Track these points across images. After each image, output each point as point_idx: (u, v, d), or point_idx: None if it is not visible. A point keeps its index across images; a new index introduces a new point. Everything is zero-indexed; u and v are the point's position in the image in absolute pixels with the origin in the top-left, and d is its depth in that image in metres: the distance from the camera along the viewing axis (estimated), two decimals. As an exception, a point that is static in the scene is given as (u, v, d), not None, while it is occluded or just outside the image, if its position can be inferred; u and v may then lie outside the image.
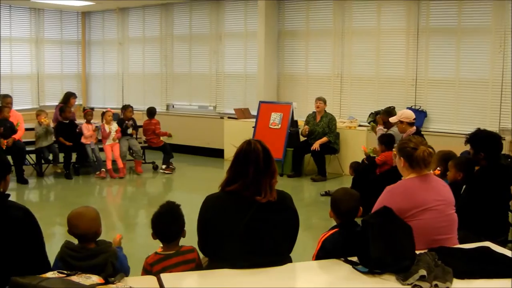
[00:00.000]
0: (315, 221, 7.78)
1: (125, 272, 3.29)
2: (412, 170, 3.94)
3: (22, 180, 9.73)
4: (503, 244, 4.08)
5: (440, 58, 10.31)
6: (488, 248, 3.69)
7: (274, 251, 3.38)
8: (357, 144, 10.51)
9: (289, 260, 3.48)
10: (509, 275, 3.24)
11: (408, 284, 3.11)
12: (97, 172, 10.41)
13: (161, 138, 11.23)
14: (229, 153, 12.21)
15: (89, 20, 15.57)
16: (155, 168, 11.27)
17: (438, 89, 10.37)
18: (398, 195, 3.85)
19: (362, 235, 3.38)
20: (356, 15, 11.22)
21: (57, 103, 11.67)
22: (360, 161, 8.73)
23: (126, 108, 11.16)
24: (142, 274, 3.51)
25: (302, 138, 10.88)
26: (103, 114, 10.66)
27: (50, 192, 9.92)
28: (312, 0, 11.72)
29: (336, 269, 3.36)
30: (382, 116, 8.87)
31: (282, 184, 9.94)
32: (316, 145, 10.20)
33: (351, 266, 3.35)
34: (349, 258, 3.43)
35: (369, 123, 10.49)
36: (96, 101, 15.28)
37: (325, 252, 3.65)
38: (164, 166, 11.08)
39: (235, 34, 12.86)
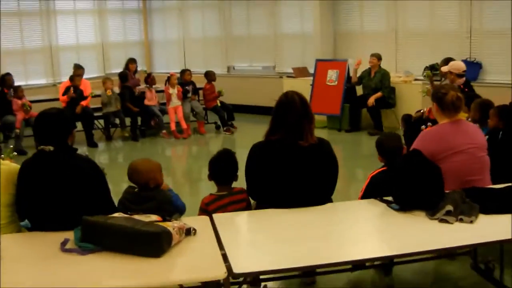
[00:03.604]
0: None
1: (181, 210, 3.72)
2: (443, 115, 4.24)
3: (92, 144, 10.36)
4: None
5: (494, 8, 10.27)
6: (516, 187, 3.95)
7: (316, 192, 3.77)
8: (413, 98, 10.64)
9: (330, 201, 3.87)
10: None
11: (435, 219, 3.44)
12: (162, 132, 11.01)
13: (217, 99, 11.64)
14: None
15: (148, -13, 16.04)
16: (218, 128, 11.72)
17: (493, 40, 10.35)
18: (431, 139, 4.16)
19: (395, 176, 3.73)
20: (409, -32, 11.30)
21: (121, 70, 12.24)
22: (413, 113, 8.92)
23: (184, 72, 11.65)
24: (199, 213, 3.99)
25: (358, 92, 11.15)
26: (168, 78, 11.14)
27: (118, 154, 10.54)
28: (366, -44, 11.86)
29: (372, 207, 3.73)
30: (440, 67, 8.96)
31: (340, 138, 10.28)
32: (371, 100, 10.44)
33: (385, 205, 3.70)
34: (385, 198, 3.78)
35: (424, 76, 10.59)
36: (160, 66, 15.70)
37: (372, 187, 4.05)
38: (224, 128, 11.50)
39: (291, -6, 13.09)
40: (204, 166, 9.15)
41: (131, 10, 15.78)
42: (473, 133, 4.28)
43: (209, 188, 7.94)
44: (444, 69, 7.97)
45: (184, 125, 11.00)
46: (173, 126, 10.96)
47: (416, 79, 11.09)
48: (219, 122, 11.70)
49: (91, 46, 14.85)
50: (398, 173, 3.69)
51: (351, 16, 12.28)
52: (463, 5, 10.58)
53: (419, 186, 3.60)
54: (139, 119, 11.24)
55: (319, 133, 10.63)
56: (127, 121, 11.03)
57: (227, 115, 11.58)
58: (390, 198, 3.74)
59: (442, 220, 3.43)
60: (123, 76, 11.28)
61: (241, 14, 14.02)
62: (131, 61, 12.05)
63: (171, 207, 3.58)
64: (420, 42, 11.31)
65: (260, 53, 13.80)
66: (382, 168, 4.18)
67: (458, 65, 7.78)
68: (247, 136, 11.30)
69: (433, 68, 10.58)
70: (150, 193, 3.56)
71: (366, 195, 4.09)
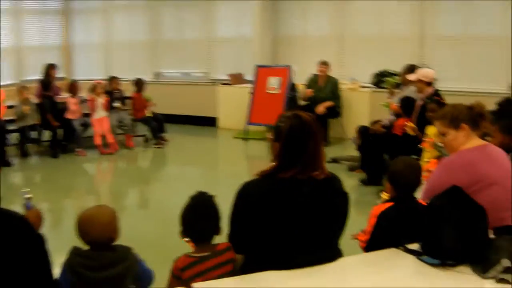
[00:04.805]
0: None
1: (149, 279, 2.80)
2: (475, 131, 3.52)
3: (4, 163, 8.94)
4: None
5: (447, 14, 9.85)
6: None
7: (328, 244, 2.85)
8: (360, 106, 10.09)
9: (340, 254, 2.93)
10: None
11: (490, 278, 2.59)
12: (77, 150, 9.82)
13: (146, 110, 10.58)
14: (224, 122, 11.72)
15: (70, -14, 14.76)
16: (147, 141, 10.68)
17: (446, 47, 9.89)
18: (458, 169, 3.36)
19: (428, 220, 2.85)
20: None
21: (38, 77, 10.95)
22: (367, 124, 8.21)
23: (112, 79, 10.58)
24: (170, 281, 2.89)
25: (302, 103, 10.34)
26: (94, 86, 9.99)
27: (37, 173, 9.24)
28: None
29: (398, 262, 2.82)
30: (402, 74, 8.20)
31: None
32: (321, 109, 9.66)
33: (414, 257, 2.82)
34: (410, 247, 2.89)
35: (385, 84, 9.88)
36: (81, 72, 14.39)
37: (381, 228, 3.17)
38: (154, 141, 10.47)
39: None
40: (135, 186, 8.25)
41: (50, 10, 14.49)
42: (502, 159, 3.48)
43: (141, 215, 6.93)
44: (411, 77, 7.23)
45: (110, 138, 9.87)
46: (98, 140, 9.81)
47: (363, 86, 10.43)
48: (148, 135, 10.62)
49: (5, 49, 13.40)
50: (435, 216, 2.80)
51: (293, 19, 11.54)
52: (414, 9, 10.03)
53: (464, 233, 2.73)
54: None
55: (259, 145, 10.03)
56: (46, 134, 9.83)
57: (158, 126, 10.49)
58: (415, 247, 2.87)
59: (501, 280, 2.57)
60: (45, 84, 10.03)
61: (171, 16, 13.12)
62: (52, 67, 10.78)
63: (140, 270, 2.68)
64: (367, 47, 10.70)
65: (192, 59, 12.93)
66: (389, 204, 3.28)
67: (427, 73, 7.10)
68: (179, 149, 10.40)
69: (383, 75, 9.97)
70: (113, 256, 2.58)
71: (375, 238, 3.19)
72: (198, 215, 2.97)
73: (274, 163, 2.87)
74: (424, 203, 3.21)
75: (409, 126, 6.58)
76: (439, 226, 2.76)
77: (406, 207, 3.20)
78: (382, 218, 3.19)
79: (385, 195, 3.49)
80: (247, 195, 2.84)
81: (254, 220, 2.79)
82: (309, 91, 9.98)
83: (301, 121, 2.82)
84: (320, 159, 2.85)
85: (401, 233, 3.00)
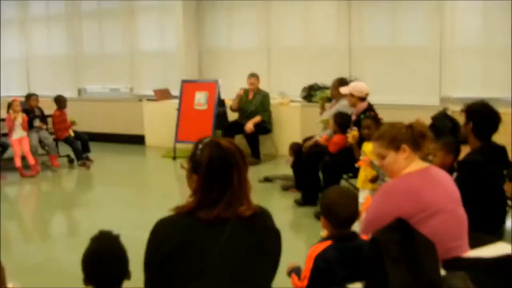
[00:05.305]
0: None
1: None
2: (416, 153, 3.22)
3: None
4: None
5: (375, 25, 9.67)
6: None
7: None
8: (291, 121, 9.90)
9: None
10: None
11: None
12: None
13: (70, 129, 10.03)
14: (151, 139, 11.32)
15: (-19, -2, 14.01)
16: (71, 161, 10.13)
17: (374, 58, 9.72)
18: (400, 197, 3.04)
19: (372, 259, 2.55)
20: (281, -20, 10.40)
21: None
22: (300, 140, 7.93)
23: (29, 97, 9.99)
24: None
25: (231, 118, 10.05)
26: (9, 104, 9.39)
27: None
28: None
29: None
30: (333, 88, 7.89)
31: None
32: (250, 126, 9.32)
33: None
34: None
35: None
36: (-3, 90, 13.80)
37: (318, 273, 2.83)
38: (79, 162, 9.95)
39: (150, 8, 11.77)
40: (60, 212, 7.74)
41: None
42: (446, 182, 3.22)
43: (69, 244, 6.44)
44: (344, 90, 6.91)
45: (31, 160, 9.29)
46: (18, 162, 9.19)
47: (292, 101, 10.21)
48: (72, 155, 10.09)
49: None
50: (380, 254, 2.51)
51: (218, 32, 11.24)
52: (341, 20, 9.88)
53: (414, 272, 2.46)
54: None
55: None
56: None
57: (82, 146, 10.01)
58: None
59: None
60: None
61: (92, 29, 12.57)
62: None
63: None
64: (295, 60, 10.48)
65: (115, 74, 12.46)
66: (327, 243, 2.93)
67: (360, 87, 6.75)
68: (106, 170, 9.93)
69: (313, 88, 9.78)
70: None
71: (314, 284, 2.85)
72: (102, 260, 2.57)
73: (192, 198, 2.51)
74: (366, 237, 2.92)
75: (352, 134, 6.17)
76: (384, 265, 2.47)
77: (346, 245, 2.88)
78: (320, 260, 2.86)
79: (323, 233, 3.15)
80: (160, 237, 2.45)
81: (169, 265, 2.41)
82: (241, 90, 9.69)
83: (222, 150, 2.44)
84: (246, 192, 2.49)
85: (342, 276, 2.69)
